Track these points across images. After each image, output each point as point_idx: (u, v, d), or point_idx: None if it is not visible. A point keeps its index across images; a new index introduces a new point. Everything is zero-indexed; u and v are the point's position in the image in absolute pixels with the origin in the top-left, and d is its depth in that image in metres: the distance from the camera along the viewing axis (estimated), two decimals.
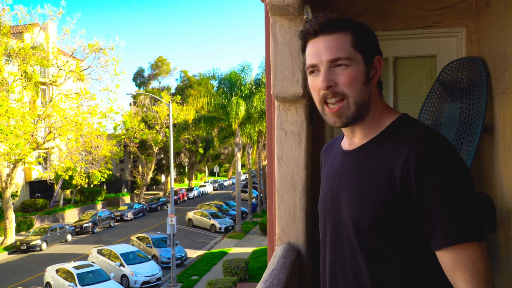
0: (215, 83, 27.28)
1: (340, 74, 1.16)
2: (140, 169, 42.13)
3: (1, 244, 24.78)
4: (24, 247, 23.95)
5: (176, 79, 69.89)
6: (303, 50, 1.25)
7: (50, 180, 29.13)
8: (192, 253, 23.45)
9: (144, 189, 43.11)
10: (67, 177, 27.85)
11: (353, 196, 1.19)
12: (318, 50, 1.18)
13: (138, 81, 59.99)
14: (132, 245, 21.96)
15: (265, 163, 34.34)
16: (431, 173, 1.07)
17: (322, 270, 1.33)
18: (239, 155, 27.90)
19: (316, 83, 1.20)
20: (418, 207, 1.10)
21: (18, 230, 27.03)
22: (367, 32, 1.22)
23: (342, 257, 1.24)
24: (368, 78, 1.19)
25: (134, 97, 44.05)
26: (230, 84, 25.93)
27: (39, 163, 30.21)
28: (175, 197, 39.52)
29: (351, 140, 1.27)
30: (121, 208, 35.56)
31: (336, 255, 1.26)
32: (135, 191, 44.38)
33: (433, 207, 1.07)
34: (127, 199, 41.76)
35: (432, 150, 1.09)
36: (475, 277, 1.06)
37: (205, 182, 58.35)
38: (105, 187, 39.71)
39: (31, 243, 24.02)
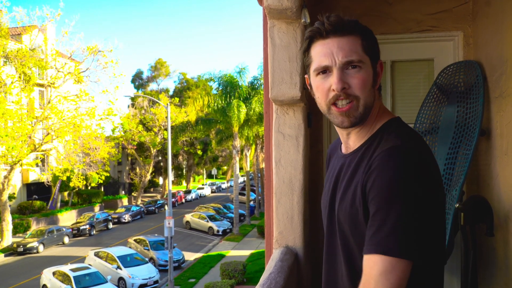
0: (213, 85, 27.28)
1: (353, 76, 1.16)
2: (138, 171, 42.05)
3: None
4: (21, 249, 23.83)
5: (175, 81, 69.87)
6: (307, 50, 1.24)
7: (48, 182, 29.05)
8: (190, 256, 23.39)
9: (142, 191, 43.00)
10: (64, 178, 27.74)
11: (340, 198, 1.22)
12: (331, 51, 1.16)
13: (137, 83, 60.02)
14: (130, 247, 21.87)
15: (263, 165, 34.32)
16: (382, 186, 1.07)
17: (322, 267, 1.38)
18: (237, 157, 27.87)
19: (326, 84, 1.18)
20: (370, 214, 1.09)
21: (15, 232, 26.89)
22: (373, 36, 1.22)
23: (331, 255, 1.28)
24: (375, 81, 1.20)
25: (133, 99, 44.01)
26: (230, 86, 25.93)
27: (37, 165, 30.12)
28: (173, 199, 39.47)
29: (347, 143, 1.29)
30: (119, 210, 35.43)
31: (328, 253, 1.30)
32: (133, 193, 44.28)
33: (374, 215, 1.07)
34: (124, 201, 41.65)
35: (392, 162, 1.08)
36: None
37: (203, 184, 58.26)
38: (102, 189, 39.60)
39: (28, 245, 23.91)
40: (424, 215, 1.05)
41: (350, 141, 1.28)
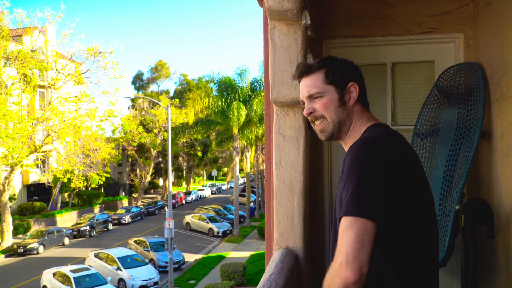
0: (214, 87, 27.27)
1: (316, 103, 1.52)
2: (138, 172, 42.04)
3: None
4: (21, 250, 23.83)
5: (175, 83, 69.86)
6: None
7: (48, 183, 29.05)
8: (190, 257, 23.37)
9: (142, 192, 42.98)
10: (65, 180, 27.72)
11: (339, 188, 1.46)
12: (302, 88, 1.55)
13: (137, 85, 60.04)
14: (130, 248, 21.85)
15: (263, 167, 34.31)
16: (346, 165, 1.34)
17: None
18: (237, 159, 27.86)
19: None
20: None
21: (15, 233, 26.89)
22: (340, 66, 1.51)
23: (334, 245, 1.45)
24: (343, 101, 1.50)
25: (133, 100, 44.09)
26: (229, 88, 25.95)
27: (37, 166, 30.11)
28: (173, 200, 39.44)
29: (347, 148, 1.53)
30: (119, 211, 35.42)
31: (333, 243, 1.49)
32: (133, 195, 44.27)
33: (343, 188, 1.32)
34: (125, 202, 41.61)
35: (354, 150, 1.35)
36: (338, 247, 1.23)
37: (203, 186, 58.24)
38: (103, 191, 39.59)
39: (28, 246, 23.91)
40: (380, 186, 1.26)
41: (346, 148, 1.53)
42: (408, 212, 1.32)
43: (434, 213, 1.45)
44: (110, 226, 31.27)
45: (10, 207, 26.02)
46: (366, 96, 1.54)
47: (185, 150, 45.00)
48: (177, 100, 41.04)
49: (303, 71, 1.54)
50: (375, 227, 1.22)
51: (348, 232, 1.20)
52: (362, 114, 1.52)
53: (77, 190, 33.81)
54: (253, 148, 32.79)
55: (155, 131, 39.68)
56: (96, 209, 36.17)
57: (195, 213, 32.76)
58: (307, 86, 1.53)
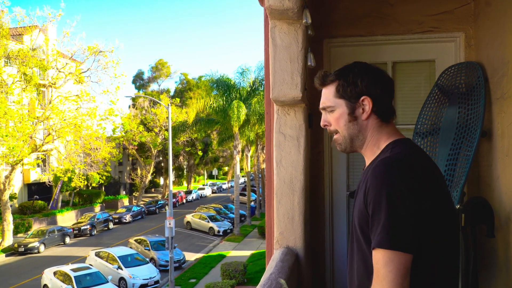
0: (213, 86, 27.33)
1: (330, 116, 1.52)
2: (139, 171, 42.05)
3: None
4: (22, 249, 23.85)
5: (176, 82, 69.80)
6: None
7: (49, 182, 29.07)
8: (191, 256, 23.38)
9: (143, 191, 42.99)
10: (66, 179, 27.73)
11: (354, 206, 1.48)
12: (321, 98, 1.54)
13: (138, 84, 60.04)
14: (130, 247, 21.88)
15: (263, 166, 34.31)
16: (373, 191, 1.31)
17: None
18: (238, 158, 27.87)
19: None
20: (369, 217, 1.33)
21: (16, 232, 26.91)
22: (353, 79, 1.45)
23: (352, 257, 1.52)
24: (353, 116, 1.47)
25: (133, 99, 44.07)
26: (229, 88, 25.97)
27: (38, 165, 30.13)
28: (174, 199, 39.46)
29: (367, 160, 1.54)
30: (120, 210, 35.44)
31: (349, 247, 1.55)
32: (134, 194, 44.29)
33: (372, 217, 1.31)
34: (125, 201, 41.64)
35: (377, 174, 1.32)
36: (376, 281, 1.26)
37: (203, 185, 58.27)
38: (103, 190, 39.62)
39: (29, 245, 23.93)
40: (411, 212, 1.25)
41: (366, 160, 1.54)
42: (437, 232, 1.31)
43: (457, 226, 1.43)
44: (111, 225, 31.30)
45: (11, 206, 26.04)
46: (388, 107, 1.47)
47: (186, 149, 45.03)
48: (177, 99, 41.03)
49: (319, 83, 1.54)
50: (412, 257, 1.24)
51: (389, 268, 1.23)
52: (380, 127, 1.46)
53: (78, 189, 33.83)
54: (254, 147, 32.81)
55: (156, 130, 39.69)
56: (97, 208, 36.18)
57: (195, 212, 32.78)
58: (323, 97, 1.53)
